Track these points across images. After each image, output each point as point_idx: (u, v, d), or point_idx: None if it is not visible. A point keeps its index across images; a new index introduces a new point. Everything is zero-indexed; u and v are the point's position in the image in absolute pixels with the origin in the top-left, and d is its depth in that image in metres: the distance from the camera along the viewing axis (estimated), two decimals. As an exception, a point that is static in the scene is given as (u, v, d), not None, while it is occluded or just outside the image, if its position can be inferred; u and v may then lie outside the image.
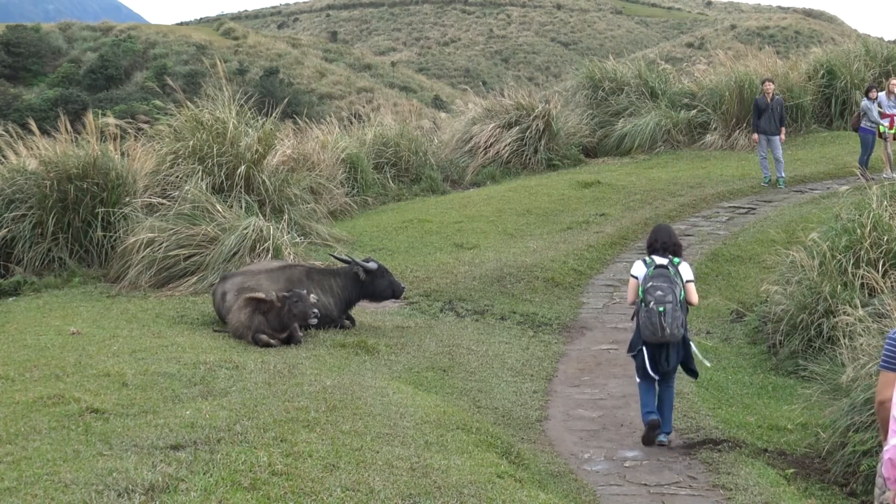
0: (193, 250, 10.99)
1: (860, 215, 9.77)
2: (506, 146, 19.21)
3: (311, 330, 9.15)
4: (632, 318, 7.69)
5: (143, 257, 10.96)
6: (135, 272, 10.95)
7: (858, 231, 9.49)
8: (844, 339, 7.83)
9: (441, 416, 6.77)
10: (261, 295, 8.80)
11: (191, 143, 13.05)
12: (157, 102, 17.77)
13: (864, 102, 16.27)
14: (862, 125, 16.27)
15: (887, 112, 16.12)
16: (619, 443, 7.44)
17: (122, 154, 12.65)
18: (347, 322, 9.79)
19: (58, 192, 11.82)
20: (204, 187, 12.12)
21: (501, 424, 7.44)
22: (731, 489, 6.47)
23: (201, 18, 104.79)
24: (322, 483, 5.06)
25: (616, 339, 9.93)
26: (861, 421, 6.84)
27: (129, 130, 13.26)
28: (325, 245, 12.76)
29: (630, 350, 7.55)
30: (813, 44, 38.30)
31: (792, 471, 6.94)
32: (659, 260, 7.35)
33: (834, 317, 8.76)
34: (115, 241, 11.68)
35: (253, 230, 11.08)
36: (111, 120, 13.11)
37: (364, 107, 34.50)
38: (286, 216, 12.57)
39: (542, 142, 19.45)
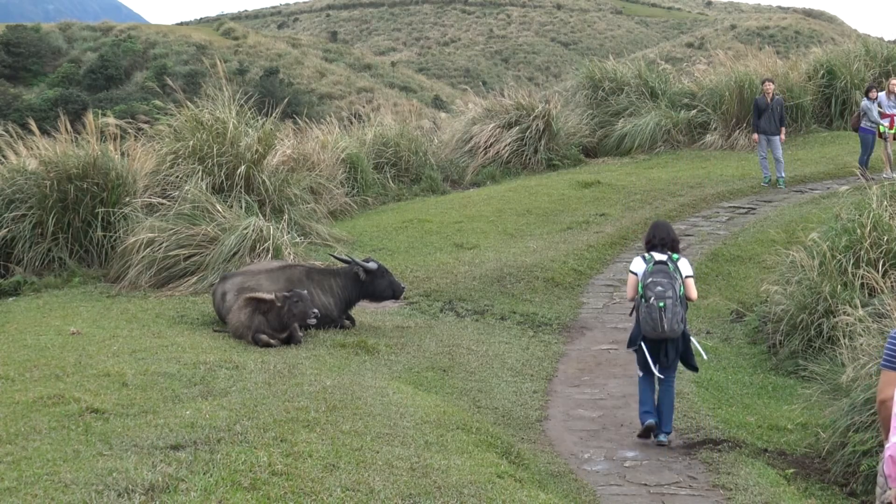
0: (193, 250, 10.99)
1: (860, 215, 9.77)
2: (506, 146, 19.22)
3: (311, 330, 9.15)
4: (630, 314, 7.71)
5: (143, 257, 10.95)
6: (135, 272, 10.95)
7: (858, 231, 9.49)
8: (844, 339, 7.83)
9: (441, 416, 6.77)
10: (261, 295, 8.80)
11: (191, 143, 13.05)
12: (157, 102, 17.77)
13: (864, 102, 16.27)
14: (862, 125, 16.27)
15: (887, 112, 16.12)
16: (619, 443, 7.44)
17: (122, 154, 12.65)
18: (347, 322, 9.79)
19: (58, 192, 11.82)
20: (204, 187, 12.12)
21: (501, 424, 7.44)
22: (731, 489, 6.47)
23: (201, 18, 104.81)
24: (322, 483, 5.06)
25: (616, 339, 9.92)
26: (861, 421, 6.84)
27: (129, 130, 13.26)
28: (325, 245, 12.76)
29: (630, 345, 7.59)
30: (813, 44, 38.32)
31: (792, 471, 6.94)
32: (658, 256, 7.39)
33: (834, 317, 8.76)
34: (115, 241, 11.68)
35: (253, 230, 11.08)
36: (111, 120, 13.11)
37: (364, 107, 34.50)
38: (286, 216, 12.57)
39: (542, 142, 19.45)
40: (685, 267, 7.45)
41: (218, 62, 14.80)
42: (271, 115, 14.18)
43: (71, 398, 6.35)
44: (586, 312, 11.09)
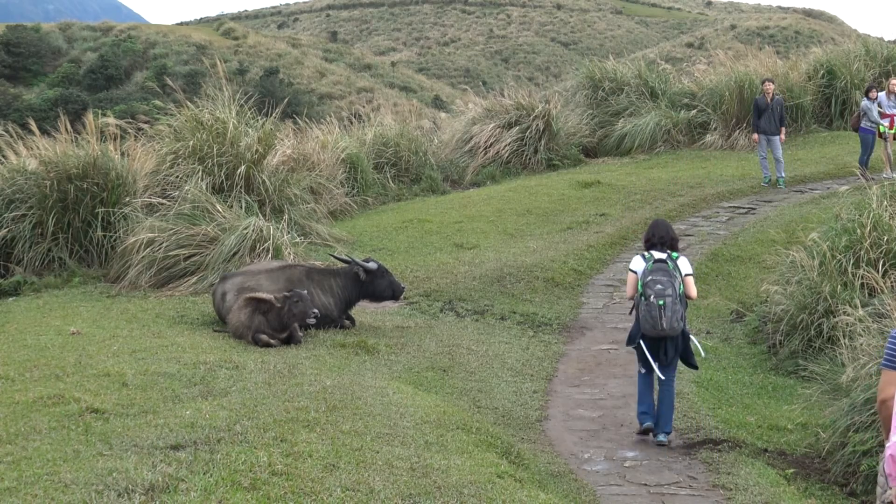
0: (193, 250, 10.99)
1: (860, 215, 9.77)
2: (506, 146, 19.22)
3: (311, 330, 9.15)
4: (630, 312, 7.73)
5: (143, 257, 10.95)
6: (135, 272, 10.95)
7: (858, 231, 9.49)
8: (844, 339, 7.83)
9: (441, 416, 6.77)
10: (261, 295, 8.80)
11: (191, 143, 13.05)
12: (157, 102, 17.77)
13: (864, 102, 16.27)
14: (862, 125, 16.27)
15: (887, 112, 16.12)
16: (619, 443, 7.45)
17: (122, 154, 12.64)
18: (347, 322, 9.79)
19: (58, 192, 11.82)
20: (204, 187, 12.11)
21: (501, 424, 7.44)
22: (731, 489, 6.47)
23: (201, 18, 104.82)
24: (322, 483, 5.06)
25: (616, 339, 9.92)
26: (861, 421, 6.84)
27: (129, 130, 13.26)
28: (325, 245, 12.76)
29: (629, 342, 7.61)
30: (813, 44, 38.31)
31: (792, 471, 6.94)
32: (657, 254, 7.41)
33: (834, 317, 8.76)
34: (115, 241, 11.68)
35: (253, 230, 11.08)
36: (111, 120, 13.11)
37: (364, 107, 34.49)
38: (286, 216, 12.57)
39: (542, 142, 19.45)
40: (684, 265, 7.47)
41: (218, 62, 14.79)
42: (271, 115, 14.18)
43: (71, 398, 6.35)
44: (586, 312, 11.09)
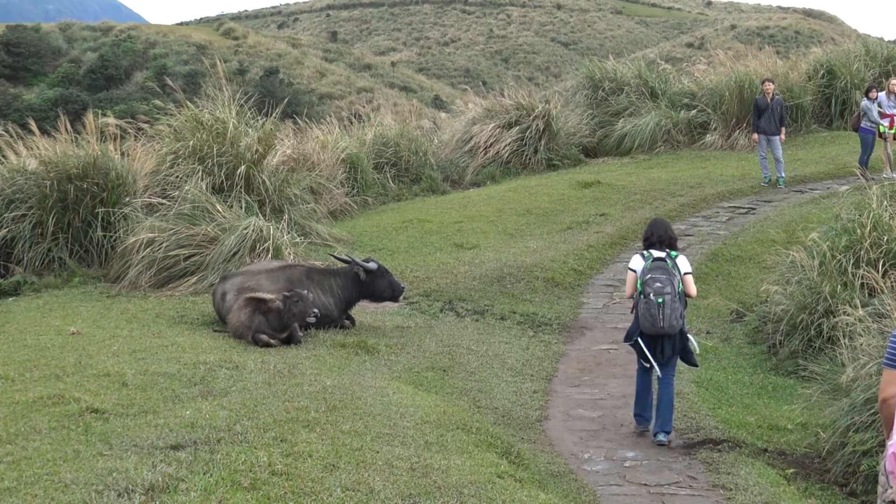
0: (193, 250, 10.99)
1: (860, 215, 9.77)
2: (506, 146, 19.22)
3: (311, 330, 9.15)
4: (631, 311, 7.74)
5: (143, 257, 10.95)
6: (135, 272, 10.95)
7: (858, 231, 9.49)
8: (844, 339, 7.83)
9: (441, 416, 6.77)
10: (261, 295, 8.80)
11: (191, 143, 13.05)
12: (157, 102, 17.78)
13: (864, 102, 16.27)
14: (862, 125, 16.27)
15: (887, 112, 16.12)
16: (619, 443, 7.44)
17: (122, 154, 12.64)
18: (347, 322, 9.79)
19: (58, 192, 11.82)
20: (204, 187, 12.11)
21: (501, 424, 7.45)
22: (731, 489, 6.47)
23: (201, 18, 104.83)
24: (322, 483, 5.06)
25: (616, 339, 9.92)
26: (861, 421, 6.84)
27: (129, 130, 13.26)
28: (325, 245, 12.76)
29: (627, 339, 7.63)
30: (813, 44, 38.31)
31: (792, 471, 6.94)
32: (656, 253, 7.45)
33: (834, 317, 8.76)
34: (115, 241, 11.68)
35: (253, 230, 11.08)
36: (111, 120, 13.11)
37: (364, 107, 34.50)
38: (286, 216, 12.57)
39: (542, 142, 19.45)
40: (683, 264, 7.49)
41: (218, 62, 14.79)
42: (271, 115, 14.18)
43: (71, 398, 6.35)
44: (586, 312, 11.09)
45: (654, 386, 7.64)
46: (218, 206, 11.55)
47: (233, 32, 74.39)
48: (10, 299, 10.87)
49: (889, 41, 27.62)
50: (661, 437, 7.35)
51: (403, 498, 5.05)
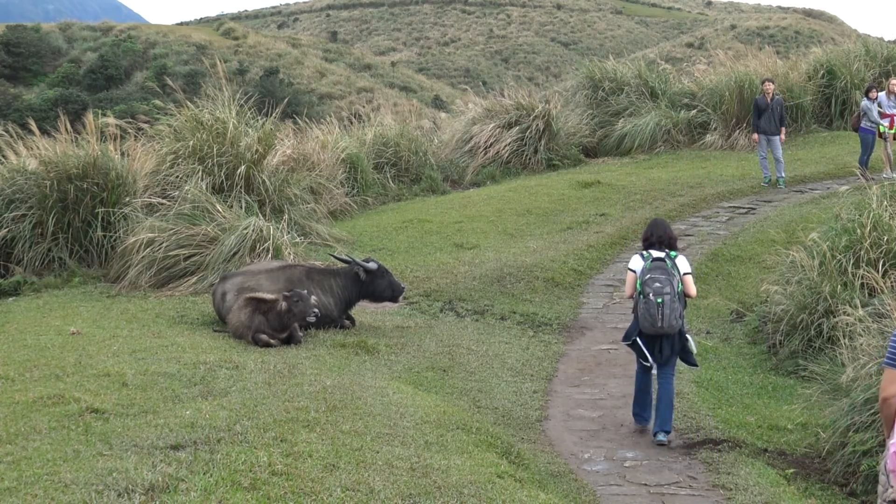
0: (193, 250, 10.99)
1: (860, 215, 9.77)
2: (506, 146, 19.22)
3: (311, 330, 9.15)
4: (633, 312, 7.75)
5: (143, 257, 10.95)
6: (135, 272, 10.95)
7: (858, 231, 9.49)
8: (844, 339, 7.83)
9: (441, 416, 6.77)
10: (262, 295, 8.80)
11: (191, 143, 13.05)
12: (157, 102, 17.79)
13: (864, 102, 16.27)
14: (862, 125, 16.27)
15: (887, 112, 16.12)
16: (619, 443, 7.44)
17: (122, 154, 12.65)
18: (347, 322, 9.79)
19: (58, 192, 11.82)
20: (204, 187, 12.11)
21: (501, 424, 7.45)
22: (731, 489, 6.47)
23: (201, 18, 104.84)
24: (322, 483, 5.06)
25: (616, 339, 9.91)
26: (861, 421, 6.84)
27: (129, 130, 13.26)
28: (325, 245, 12.76)
29: (625, 338, 7.63)
30: (813, 44, 38.32)
31: (792, 471, 6.94)
32: (656, 253, 7.46)
33: (834, 317, 8.76)
34: (115, 241, 11.68)
35: (253, 230, 11.08)
36: (111, 120, 13.11)
37: (364, 107, 34.51)
38: (286, 216, 12.57)
39: (542, 142, 19.45)
40: (683, 264, 7.50)
41: (218, 62, 14.80)
42: (271, 115, 14.18)
43: (71, 398, 6.35)
44: (586, 312, 11.09)
45: (654, 386, 7.65)
46: (218, 206, 11.55)
47: (233, 32, 74.40)
48: (10, 299, 10.87)
49: (889, 41, 27.63)
50: (661, 436, 7.35)
51: (403, 498, 5.05)
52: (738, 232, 13.90)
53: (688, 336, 7.58)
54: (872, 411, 6.69)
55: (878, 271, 9.02)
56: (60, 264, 11.71)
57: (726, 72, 20.66)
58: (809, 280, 9.47)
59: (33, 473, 5.04)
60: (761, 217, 14.65)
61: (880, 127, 16.10)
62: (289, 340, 8.75)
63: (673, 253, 7.51)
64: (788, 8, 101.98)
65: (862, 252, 9.32)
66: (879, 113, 16.07)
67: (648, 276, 7.32)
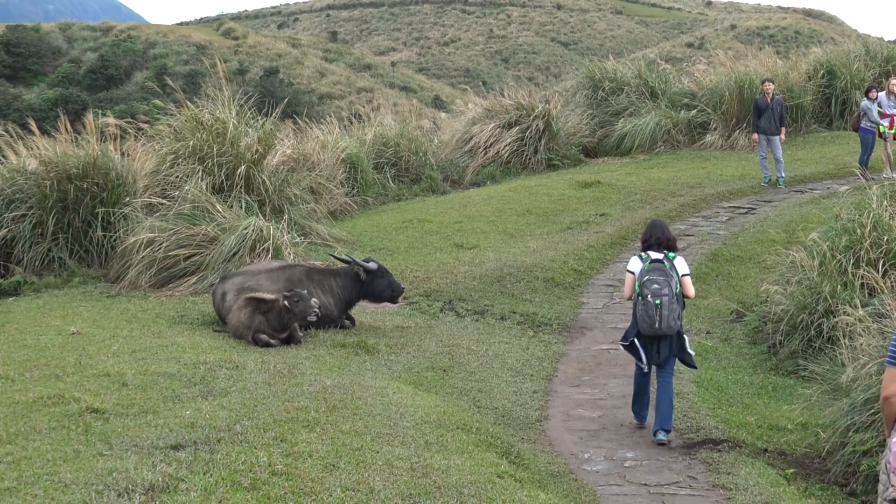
0: (193, 250, 10.99)
1: (860, 215, 9.77)
2: (506, 146, 19.22)
3: (311, 330, 9.15)
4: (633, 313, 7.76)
5: (143, 257, 10.95)
6: (135, 272, 10.95)
7: (858, 231, 9.49)
8: (844, 339, 7.83)
9: (441, 416, 6.77)
10: (262, 295, 8.80)
11: (191, 143, 13.05)
12: (157, 102, 17.79)
13: (864, 102, 16.27)
14: (862, 125, 16.27)
15: (887, 112, 16.12)
16: (619, 443, 7.44)
17: (122, 154, 12.65)
18: (347, 322, 9.79)
19: (58, 192, 11.82)
20: (204, 187, 12.12)
21: (501, 424, 7.45)
22: (731, 489, 6.47)
23: (201, 18, 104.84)
24: (322, 483, 5.06)
25: (616, 339, 9.89)
26: (861, 421, 6.84)
27: (129, 130, 13.26)
28: (325, 245, 12.76)
29: (623, 340, 7.64)
30: (813, 44, 38.33)
31: (792, 471, 6.94)
32: (654, 255, 7.47)
33: (834, 317, 8.76)
34: (115, 241, 11.68)
35: (253, 230, 11.08)
36: (111, 120, 13.11)
37: (364, 107, 34.51)
38: (286, 216, 12.57)
39: (542, 142, 19.46)
40: (681, 265, 7.51)
41: (218, 62, 14.80)
42: (271, 115, 14.18)
43: (71, 398, 6.35)
44: (586, 312, 11.09)
45: (653, 386, 7.65)
46: (218, 206, 11.55)
47: (233, 32, 74.41)
48: (10, 299, 10.87)
49: (889, 41, 27.63)
50: (661, 435, 7.35)
51: (403, 498, 5.05)
52: (738, 232, 13.90)
53: (685, 337, 7.59)
54: (872, 411, 6.69)
55: (878, 271, 9.02)
56: (60, 264, 11.71)
57: (726, 72, 20.66)
58: (809, 280, 9.47)
59: (33, 473, 5.04)
60: (761, 217, 14.65)
61: (880, 127, 16.10)
62: (289, 340, 8.75)
63: (671, 254, 7.52)
64: (788, 8, 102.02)
65: (862, 252, 9.32)
66: (879, 113, 16.07)
67: (647, 277, 7.34)
